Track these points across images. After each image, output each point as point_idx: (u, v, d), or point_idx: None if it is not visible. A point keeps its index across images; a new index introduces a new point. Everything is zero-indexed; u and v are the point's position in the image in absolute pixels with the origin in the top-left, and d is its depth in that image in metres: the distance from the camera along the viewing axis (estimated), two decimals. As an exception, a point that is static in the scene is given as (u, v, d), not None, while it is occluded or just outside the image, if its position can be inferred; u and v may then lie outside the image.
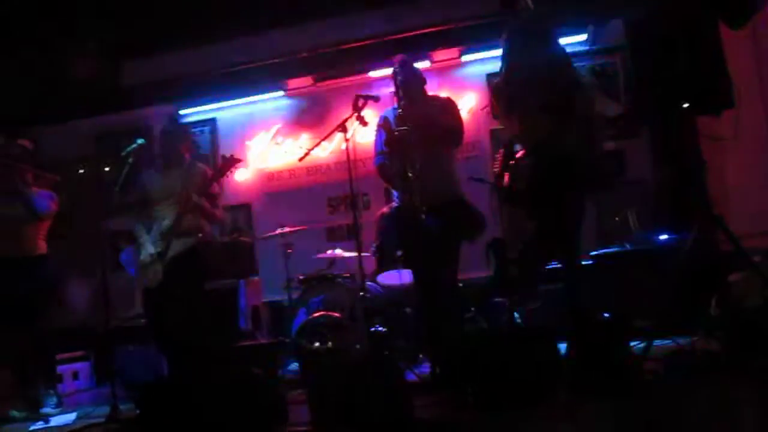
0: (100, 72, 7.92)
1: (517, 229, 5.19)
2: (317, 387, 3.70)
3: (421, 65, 7.11)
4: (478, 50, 7.36)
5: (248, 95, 8.04)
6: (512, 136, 4.66)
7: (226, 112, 8.20)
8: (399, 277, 5.35)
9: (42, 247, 5.61)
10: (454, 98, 5.07)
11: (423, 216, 4.38)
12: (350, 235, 7.18)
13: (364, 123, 4.63)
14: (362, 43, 7.39)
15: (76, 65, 7.91)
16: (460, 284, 4.97)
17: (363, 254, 4.86)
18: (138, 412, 3.93)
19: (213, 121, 8.19)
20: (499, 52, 4.52)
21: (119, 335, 6.19)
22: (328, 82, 7.83)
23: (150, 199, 5.12)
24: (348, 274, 5.94)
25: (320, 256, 6.27)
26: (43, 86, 8.15)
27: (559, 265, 4.67)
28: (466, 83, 7.50)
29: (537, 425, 3.42)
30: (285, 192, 7.92)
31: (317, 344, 5.24)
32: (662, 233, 5.75)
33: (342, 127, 4.68)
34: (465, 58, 7.46)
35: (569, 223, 4.34)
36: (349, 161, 4.63)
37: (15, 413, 5.35)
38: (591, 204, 6.18)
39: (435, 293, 4.61)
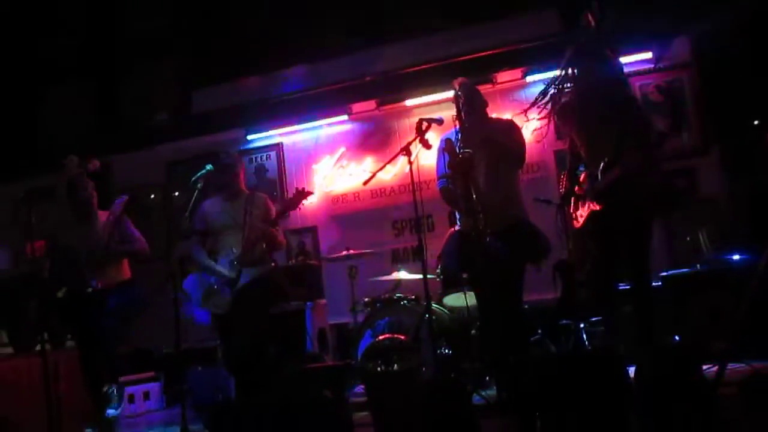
0: (171, 100, 8.20)
1: (584, 251, 5.13)
2: (383, 410, 3.71)
3: (484, 87, 7.13)
4: (541, 71, 7.32)
5: (313, 120, 8.17)
6: (574, 154, 4.62)
7: (292, 136, 8.34)
8: (465, 299, 5.33)
9: (127, 272, 5.79)
10: (517, 119, 5.06)
11: (487, 238, 4.36)
12: (415, 258, 7.20)
13: (427, 146, 4.63)
14: (424, 67, 7.47)
15: (146, 95, 8.21)
16: (526, 306, 4.93)
17: (428, 276, 4.86)
18: (208, 433, 4.01)
19: (279, 145, 8.33)
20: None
21: (189, 357, 6.32)
22: (391, 106, 7.89)
23: (212, 228, 5.24)
24: (413, 296, 5.95)
25: (385, 278, 6.30)
26: (114, 114, 8.46)
27: (628, 287, 4.59)
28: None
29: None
30: (350, 215, 7.99)
31: (383, 367, 5.25)
32: (735, 253, 5.60)
33: (406, 151, 4.71)
34: (529, 78, 7.42)
35: (637, 246, 4.27)
36: (413, 184, 4.65)
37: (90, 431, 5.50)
38: (661, 224, 6.07)
39: (500, 316, 4.58)
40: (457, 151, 4.44)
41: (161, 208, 6.22)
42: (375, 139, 7.96)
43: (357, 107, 8.00)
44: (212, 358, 6.49)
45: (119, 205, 5.53)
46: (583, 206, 4.53)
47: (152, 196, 5.78)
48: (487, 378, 5.48)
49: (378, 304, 5.93)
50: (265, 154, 8.27)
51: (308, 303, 6.63)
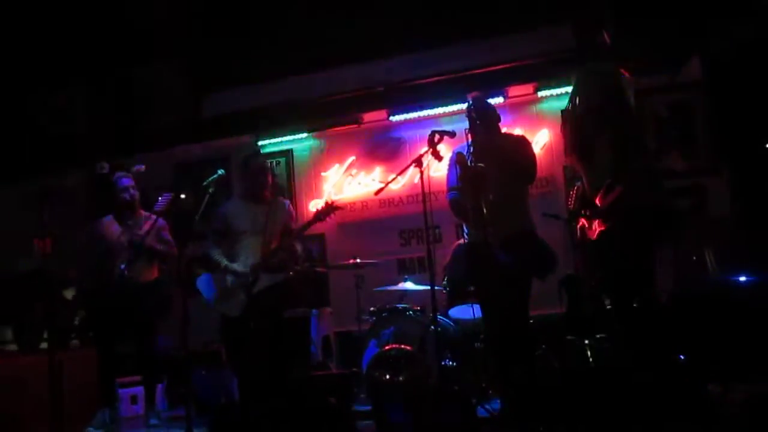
0: (180, 103, 8.23)
1: (591, 267, 5.14)
2: (388, 419, 3.72)
3: (496, 101, 7.16)
4: (553, 86, 7.35)
5: (324, 127, 8.21)
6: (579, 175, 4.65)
7: (302, 143, 8.37)
8: (470, 311, 5.35)
9: (155, 272, 5.92)
10: (528, 134, 5.09)
11: (496, 252, 4.39)
12: (422, 268, 7.22)
13: (439, 158, 4.68)
14: (437, 79, 7.50)
15: (158, 97, 8.24)
16: (531, 320, 4.94)
17: (435, 287, 4.88)
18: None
19: (289, 152, 8.37)
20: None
21: (194, 359, 6.34)
22: (402, 116, 7.91)
23: (232, 230, 5.27)
24: (418, 307, 5.97)
25: (391, 288, 6.31)
26: (124, 117, 8.49)
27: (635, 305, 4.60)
28: (541, 119, 7.48)
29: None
30: (358, 223, 7.99)
31: (389, 376, 5.27)
32: (741, 273, 5.60)
33: (417, 162, 4.74)
34: (540, 93, 7.45)
35: (640, 266, 4.28)
36: (423, 195, 4.68)
37: (91, 430, 5.53)
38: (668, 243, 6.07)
39: (505, 329, 4.59)
40: (469, 164, 4.47)
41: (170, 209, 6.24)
42: (385, 149, 7.98)
43: (368, 116, 8.03)
44: (217, 360, 6.50)
45: (164, 202, 5.61)
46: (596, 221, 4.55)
47: (183, 196, 5.81)
48: (491, 391, 5.49)
49: (384, 314, 5.96)
50: (274, 160, 8.30)
51: (314, 310, 6.64)
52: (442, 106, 7.62)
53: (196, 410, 5.39)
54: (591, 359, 5.29)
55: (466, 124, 4.65)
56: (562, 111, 7.32)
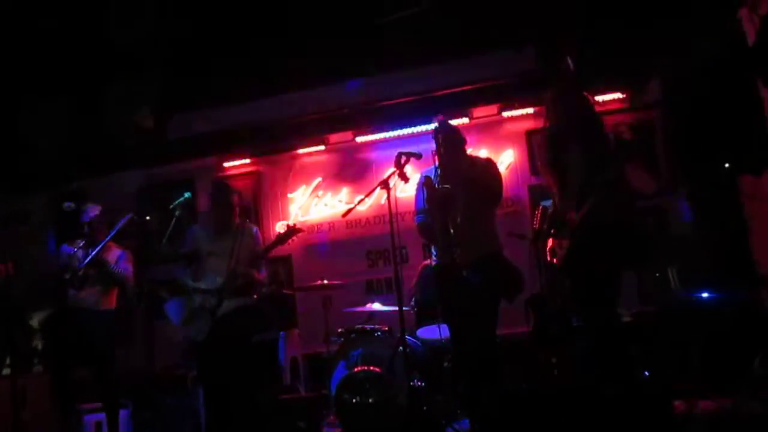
0: (145, 125, 8.16)
1: (556, 286, 5.20)
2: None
3: (460, 121, 7.24)
4: (517, 107, 7.44)
5: (290, 149, 8.21)
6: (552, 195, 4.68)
7: (268, 164, 8.36)
8: (438, 331, 5.36)
9: (114, 300, 5.81)
10: (493, 154, 5.14)
11: (463, 272, 4.42)
12: (389, 289, 7.24)
13: (405, 179, 4.71)
14: (402, 100, 7.56)
15: (121, 118, 8.16)
16: (498, 340, 4.97)
17: (403, 308, 4.89)
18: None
19: (255, 173, 8.35)
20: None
21: (160, 383, 6.26)
22: (368, 137, 7.95)
23: (200, 254, 5.24)
24: (386, 328, 5.97)
25: (359, 309, 6.31)
26: (87, 139, 8.39)
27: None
28: (506, 139, 7.56)
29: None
30: (325, 244, 7.99)
31: (358, 399, 5.25)
32: (704, 291, 5.70)
33: (384, 184, 4.76)
34: (505, 114, 7.52)
35: (605, 285, 4.32)
36: (390, 217, 4.70)
37: None
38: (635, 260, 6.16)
39: (473, 349, 4.62)
40: (436, 187, 4.50)
41: (133, 232, 6.15)
42: (351, 170, 8.01)
43: (334, 137, 8.05)
44: (183, 385, 6.42)
45: (122, 224, 5.54)
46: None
47: (147, 218, 5.74)
48: (460, 411, 5.50)
49: (352, 335, 5.94)
50: (241, 182, 8.26)
51: (281, 333, 6.61)
52: (408, 126, 7.67)
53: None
54: (557, 377, 5.34)
55: (433, 145, 4.69)
56: (527, 131, 7.44)
